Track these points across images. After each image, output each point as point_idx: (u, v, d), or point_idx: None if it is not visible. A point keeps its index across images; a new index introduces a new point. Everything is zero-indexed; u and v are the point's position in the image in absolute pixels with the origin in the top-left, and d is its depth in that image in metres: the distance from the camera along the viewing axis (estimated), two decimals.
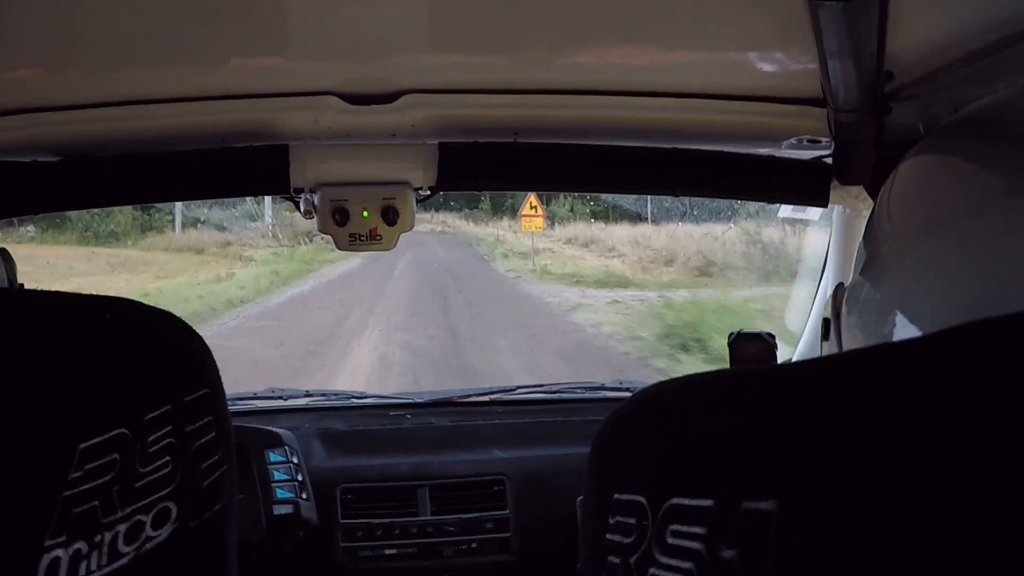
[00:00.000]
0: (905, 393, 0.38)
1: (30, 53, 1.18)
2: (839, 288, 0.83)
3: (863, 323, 0.72)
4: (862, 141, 1.28)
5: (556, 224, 16.98)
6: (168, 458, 0.55)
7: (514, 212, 16.06)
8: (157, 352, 0.58)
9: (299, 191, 1.53)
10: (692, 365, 7.40)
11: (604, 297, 11.40)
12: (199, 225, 15.57)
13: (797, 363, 0.50)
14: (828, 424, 0.41)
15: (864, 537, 0.37)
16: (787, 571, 0.40)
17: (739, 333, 1.56)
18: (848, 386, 0.41)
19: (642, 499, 0.48)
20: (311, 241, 14.59)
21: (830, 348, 0.85)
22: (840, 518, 0.38)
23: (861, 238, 0.78)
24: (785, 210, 1.70)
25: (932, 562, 0.35)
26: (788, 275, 8.53)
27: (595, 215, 16.52)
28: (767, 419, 0.44)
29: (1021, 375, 0.35)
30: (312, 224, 1.55)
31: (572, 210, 17.03)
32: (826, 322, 0.86)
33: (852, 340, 0.76)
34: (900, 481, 0.37)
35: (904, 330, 0.63)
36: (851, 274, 0.77)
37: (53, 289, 0.57)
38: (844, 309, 0.78)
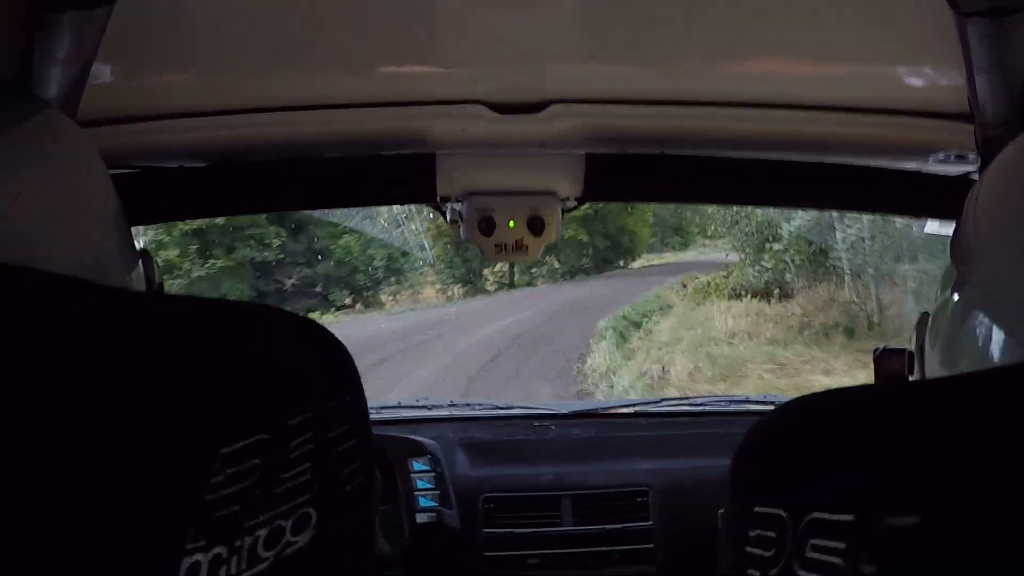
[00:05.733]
0: None
1: (180, 58, 1.22)
2: (923, 317, 0.78)
3: (956, 347, 0.69)
4: None
5: None
6: (309, 464, 0.55)
7: None
8: (299, 359, 0.58)
9: (445, 200, 1.54)
10: None
11: None
12: None
13: (942, 379, 0.49)
14: (976, 440, 0.41)
15: (1011, 552, 0.37)
16: None
17: (884, 348, 1.51)
18: (998, 402, 0.41)
19: (782, 512, 0.48)
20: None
21: None
22: (988, 533, 0.38)
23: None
24: (932, 226, 1.66)
25: None
26: None
27: None
28: (911, 434, 0.44)
29: None
30: None
31: None
32: (910, 356, 0.81)
33: (942, 366, 0.73)
34: None
35: (1010, 350, 0.60)
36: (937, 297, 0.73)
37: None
38: (927, 338, 0.73)
